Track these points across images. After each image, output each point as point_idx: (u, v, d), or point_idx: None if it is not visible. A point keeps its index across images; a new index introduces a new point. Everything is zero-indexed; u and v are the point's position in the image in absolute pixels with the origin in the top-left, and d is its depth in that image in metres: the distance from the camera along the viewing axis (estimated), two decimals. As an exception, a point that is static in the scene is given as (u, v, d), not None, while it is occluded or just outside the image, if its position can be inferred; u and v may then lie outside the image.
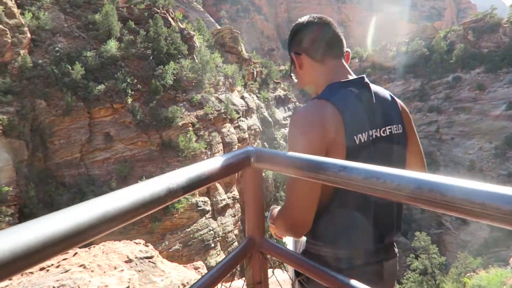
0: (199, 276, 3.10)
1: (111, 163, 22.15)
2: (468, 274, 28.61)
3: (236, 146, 29.20)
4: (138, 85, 24.26)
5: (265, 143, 37.81)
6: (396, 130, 1.42)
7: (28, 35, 22.26)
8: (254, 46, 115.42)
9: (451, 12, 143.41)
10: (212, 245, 23.78)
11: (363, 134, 1.30)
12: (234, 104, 31.17)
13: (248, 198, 1.02)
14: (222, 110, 28.25)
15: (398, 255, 1.56)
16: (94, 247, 2.70)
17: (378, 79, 76.50)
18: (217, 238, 24.55)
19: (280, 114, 47.96)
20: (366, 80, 1.43)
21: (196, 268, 3.64)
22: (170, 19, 29.72)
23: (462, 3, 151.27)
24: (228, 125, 28.85)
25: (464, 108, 58.21)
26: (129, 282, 2.00)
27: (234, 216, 27.80)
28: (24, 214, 17.91)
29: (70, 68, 21.93)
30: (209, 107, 26.81)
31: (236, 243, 27.13)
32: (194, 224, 23.23)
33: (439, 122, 60.59)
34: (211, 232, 24.06)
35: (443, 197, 0.53)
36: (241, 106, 32.97)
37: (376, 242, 1.38)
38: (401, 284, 30.55)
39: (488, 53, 61.97)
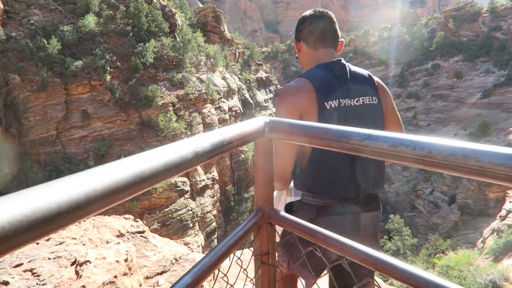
0: (190, 252, 3.08)
1: (89, 141, 21.71)
2: (438, 255, 29.80)
3: (217, 127, 29.06)
4: (117, 62, 23.63)
5: (245, 125, 37.70)
6: (369, 101, 1.69)
7: (1, 5, 21.26)
8: (237, 27, 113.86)
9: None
10: (191, 225, 23.86)
11: (334, 101, 1.61)
12: (215, 85, 30.86)
13: (258, 169, 1.02)
14: (203, 91, 27.94)
15: (381, 210, 1.79)
16: (84, 221, 2.65)
17: (360, 64, 76.90)
18: (196, 218, 24.63)
19: (262, 96, 47.79)
20: (343, 61, 1.74)
21: (186, 244, 3.62)
22: (151, -6, 28.87)
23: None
24: (209, 105, 28.60)
25: (441, 95, 59.53)
26: (127, 255, 1.99)
27: (213, 196, 27.88)
28: (-3, 192, 17.48)
29: (46, 42, 21.13)
30: (190, 87, 26.45)
31: (214, 223, 27.31)
32: (173, 204, 23.20)
33: (416, 109, 61.88)
34: (190, 212, 24.10)
35: (478, 163, 0.54)
36: (223, 87, 32.68)
37: (351, 194, 1.62)
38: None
39: (467, 41, 63.14)
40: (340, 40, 1.84)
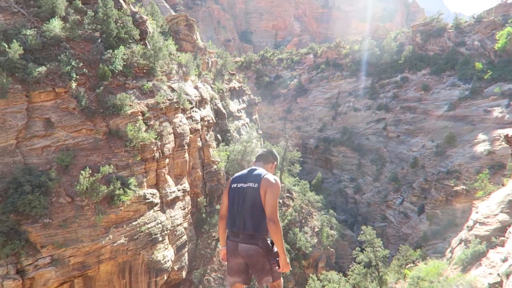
0: None
1: (52, 151, 20.59)
2: (409, 265, 30.01)
3: (188, 138, 28.38)
4: (84, 69, 22.61)
5: (218, 135, 37.21)
6: (253, 185, 4.46)
7: (-42, 7, 20.01)
8: (210, 36, 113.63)
9: (402, 15, 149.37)
10: (160, 238, 23.01)
11: (236, 184, 4.68)
12: (187, 94, 30.26)
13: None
14: (175, 100, 27.27)
15: (256, 245, 4.37)
16: None
17: (331, 75, 78.20)
18: (166, 232, 23.79)
19: (235, 106, 47.45)
20: (256, 169, 4.73)
21: None
22: (121, 0, 28.08)
23: (412, 7, 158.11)
24: (180, 115, 27.93)
25: (410, 107, 61.08)
26: None
27: (184, 208, 27.12)
28: None
29: (6, 46, 19.98)
30: (160, 96, 25.72)
31: (185, 236, 26.52)
32: (142, 217, 22.32)
33: (386, 120, 63.22)
34: (159, 225, 23.26)
35: None
36: (195, 96, 32.12)
37: (233, 230, 4.54)
38: (347, 276, 31.47)
39: (433, 56, 65.26)
40: (270, 163, 4.90)
